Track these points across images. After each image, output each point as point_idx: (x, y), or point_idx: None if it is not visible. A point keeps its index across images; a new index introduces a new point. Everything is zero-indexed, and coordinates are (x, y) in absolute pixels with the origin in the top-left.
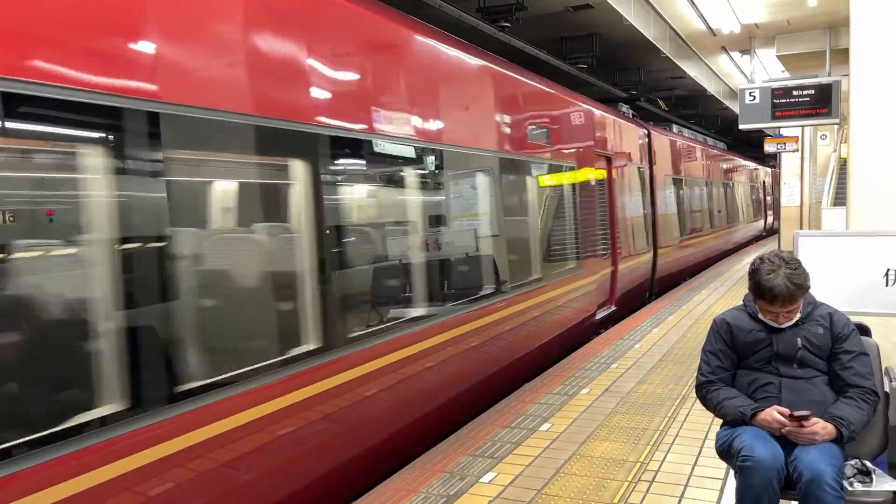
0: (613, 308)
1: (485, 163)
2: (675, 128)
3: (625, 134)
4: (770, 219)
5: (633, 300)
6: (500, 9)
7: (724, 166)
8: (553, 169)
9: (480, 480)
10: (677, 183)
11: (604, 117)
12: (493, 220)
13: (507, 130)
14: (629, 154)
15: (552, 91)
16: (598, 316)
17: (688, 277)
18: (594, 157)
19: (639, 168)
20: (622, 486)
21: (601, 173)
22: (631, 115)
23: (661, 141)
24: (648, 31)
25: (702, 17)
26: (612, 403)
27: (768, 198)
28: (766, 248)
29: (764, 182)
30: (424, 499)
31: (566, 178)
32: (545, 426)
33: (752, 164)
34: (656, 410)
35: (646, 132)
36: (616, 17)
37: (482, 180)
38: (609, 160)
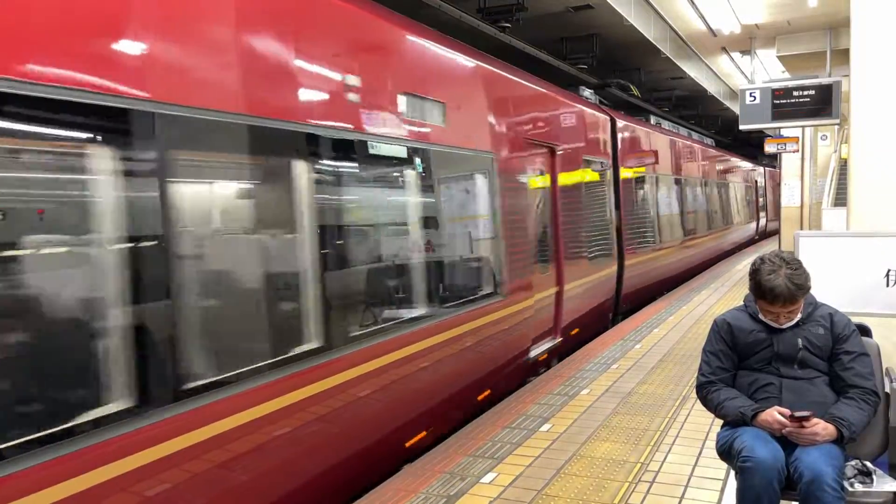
0: (559, 339)
1: (300, 142)
2: (653, 119)
3: (578, 120)
4: (763, 221)
5: (589, 325)
6: (501, 9)
7: (710, 164)
8: (449, 159)
9: (481, 481)
10: (651, 182)
11: (545, 97)
12: (316, 232)
13: (350, 97)
14: (584, 145)
15: (450, 52)
16: (534, 352)
17: (665, 291)
18: (527, 147)
19: (599, 163)
20: (622, 486)
21: (539, 168)
22: (598, 103)
23: (630, 132)
24: (649, 31)
25: (702, 17)
26: (612, 404)
27: (761, 199)
28: (757, 254)
29: (756, 182)
30: (425, 499)
31: (475, 173)
32: (545, 427)
33: (743, 162)
34: (657, 411)
35: (609, 120)
36: (616, 18)
37: (298, 171)
38: (552, 151)
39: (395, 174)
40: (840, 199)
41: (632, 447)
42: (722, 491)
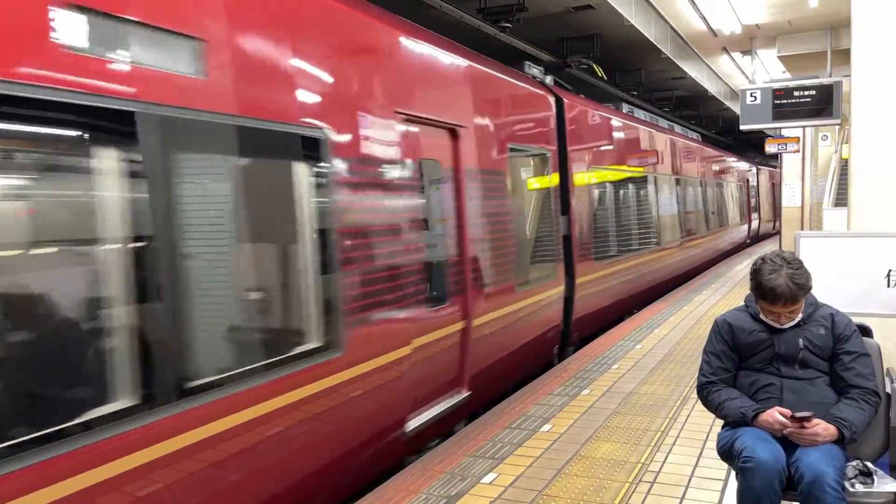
0: (465, 394)
1: None
2: (625, 107)
3: (503, 97)
4: (756, 224)
5: (521, 367)
6: (501, 9)
7: (694, 160)
8: (217, 133)
9: (482, 481)
10: (614, 180)
11: (443, 60)
12: None
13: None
14: (512, 129)
15: None
16: (417, 422)
17: (635, 310)
18: (403, 124)
19: (535, 154)
20: (623, 487)
21: (424, 155)
22: (552, 83)
23: (586, 117)
24: (649, 31)
25: (703, 17)
26: (613, 404)
27: (754, 199)
28: (751, 259)
29: (748, 181)
30: (426, 499)
31: (285, 157)
32: (546, 427)
33: (733, 159)
34: (657, 411)
35: (554, 101)
36: (617, 18)
37: None
38: (454, 134)
39: (62, 150)
40: (841, 200)
41: (632, 447)
42: (723, 491)
